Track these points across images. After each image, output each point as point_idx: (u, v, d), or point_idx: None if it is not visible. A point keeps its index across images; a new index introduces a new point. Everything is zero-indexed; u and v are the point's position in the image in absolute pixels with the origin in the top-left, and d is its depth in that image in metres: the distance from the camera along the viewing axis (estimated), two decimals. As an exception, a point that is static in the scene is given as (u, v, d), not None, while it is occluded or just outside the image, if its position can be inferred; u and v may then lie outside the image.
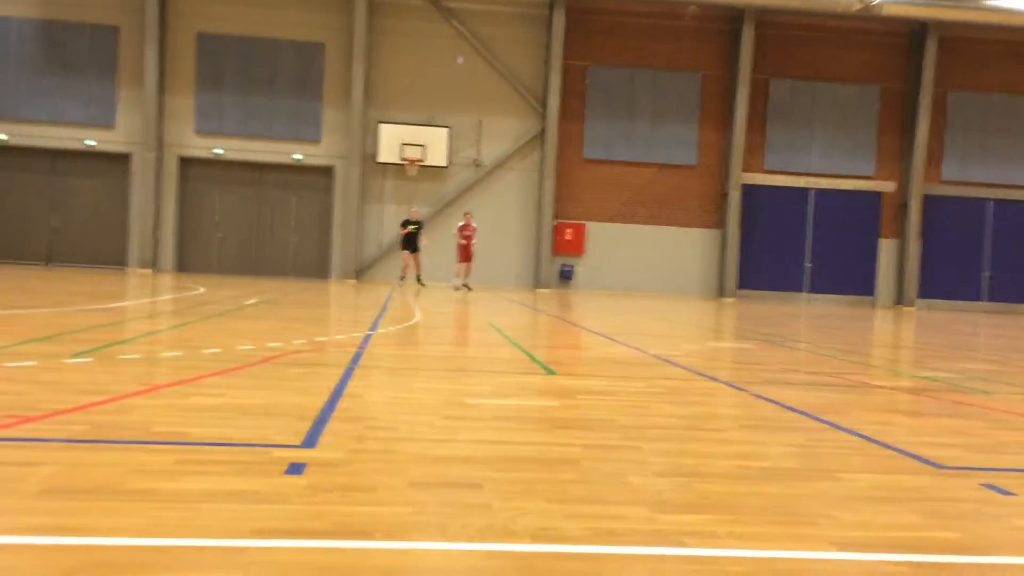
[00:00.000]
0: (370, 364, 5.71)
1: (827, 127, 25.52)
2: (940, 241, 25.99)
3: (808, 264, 25.65)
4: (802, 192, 25.57)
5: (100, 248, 23.45)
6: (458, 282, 20.25)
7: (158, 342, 6.61)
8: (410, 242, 20.84)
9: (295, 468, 2.81)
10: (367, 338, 7.37)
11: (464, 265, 20.27)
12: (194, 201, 23.91)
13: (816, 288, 25.69)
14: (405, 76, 24.01)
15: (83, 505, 2.34)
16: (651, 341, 8.85)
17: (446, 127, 23.79)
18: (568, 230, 24.67)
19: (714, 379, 5.86)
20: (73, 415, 3.49)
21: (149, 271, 22.69)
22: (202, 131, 23.53)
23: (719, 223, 25.26)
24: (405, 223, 20.96)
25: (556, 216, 24.58)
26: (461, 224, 20.45)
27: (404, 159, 23.41)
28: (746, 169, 25.13)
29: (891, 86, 25.67)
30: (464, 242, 20.18)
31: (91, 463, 2.77)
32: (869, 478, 3.14)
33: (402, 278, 21.47)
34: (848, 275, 25.79)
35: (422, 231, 21.12)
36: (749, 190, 25.25)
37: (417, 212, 21.65)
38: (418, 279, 21.11)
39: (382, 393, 4.58)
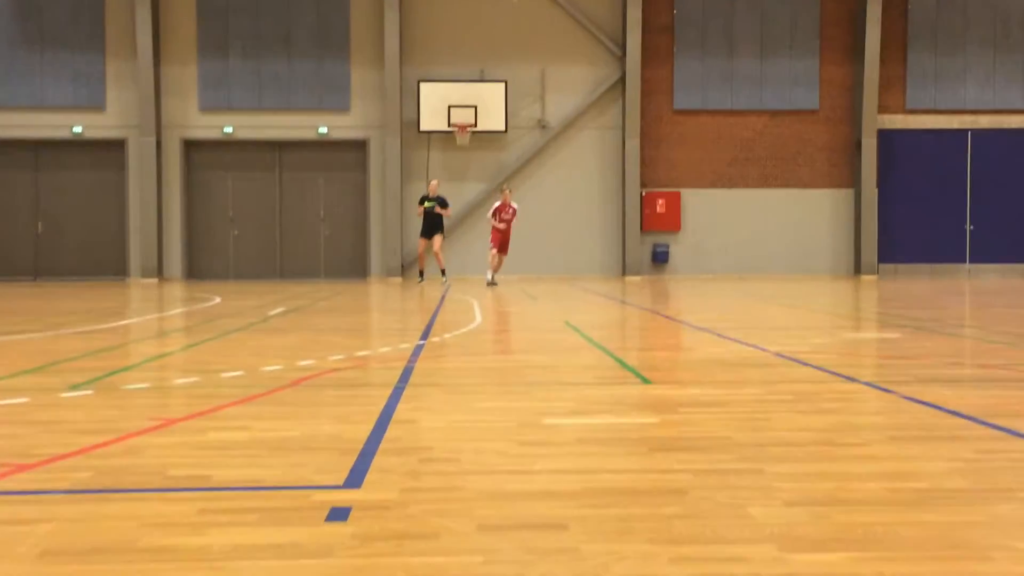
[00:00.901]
0: (423, 381, 5.77)
1: (986, 50, 24.79)
2: None
3: (969, 227, 24.98)
4: (957, 135, 24.90)
5: (96, 256, 24.12)
6: (492, 276, 19.63)
7: (169, 367, 6.79)
8: (429, 224, 19.81)
9: (338, 513, 2.86)
10: (418, 349, 7.45)
11: (499, 256, 19.34)
12: (203, 192, 24.45)
13: (980, 257, 25.01)
14: (448, 23, 24.12)
15: (90, 568, 2.42)
16: (771, 335, 8.75)
17: (502, 82, 23.83)
18: (660, 201, 24.50)
19: (853, 379, 5.78)
20: (74, 460, 3.61)
21: (154, 280, 23.30)
22: (208, 107, 24.03)
23: (851, 181, 24.79)
24: (423, 200, 19.99)
25: (644, 184, 24.43)
26: (497, 204, 19.18)
27: (452, 125, 23.53)
28: (883, 111, 24.58)
29: (1067, -8, 24.81)
30: (503, 226, 19.06)
31: (98, 517, 2.87)
32: (1059, 498, 3.06)
33: (420, 273, 20.61)
34: (1022, 238, 25.03)
35: (443, 208, 19.88)
36: (888, 136, 24.69)
37: (437, 186, 20.42)
38: (442, 272, 20.31)
39: (439, 417, 4.63)
